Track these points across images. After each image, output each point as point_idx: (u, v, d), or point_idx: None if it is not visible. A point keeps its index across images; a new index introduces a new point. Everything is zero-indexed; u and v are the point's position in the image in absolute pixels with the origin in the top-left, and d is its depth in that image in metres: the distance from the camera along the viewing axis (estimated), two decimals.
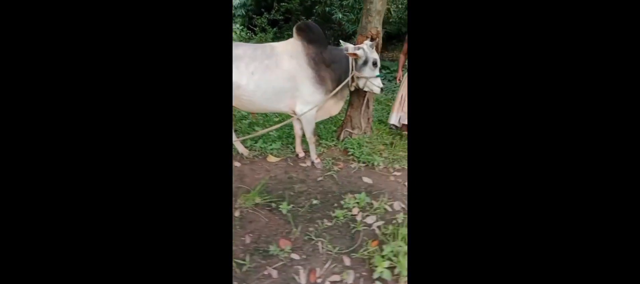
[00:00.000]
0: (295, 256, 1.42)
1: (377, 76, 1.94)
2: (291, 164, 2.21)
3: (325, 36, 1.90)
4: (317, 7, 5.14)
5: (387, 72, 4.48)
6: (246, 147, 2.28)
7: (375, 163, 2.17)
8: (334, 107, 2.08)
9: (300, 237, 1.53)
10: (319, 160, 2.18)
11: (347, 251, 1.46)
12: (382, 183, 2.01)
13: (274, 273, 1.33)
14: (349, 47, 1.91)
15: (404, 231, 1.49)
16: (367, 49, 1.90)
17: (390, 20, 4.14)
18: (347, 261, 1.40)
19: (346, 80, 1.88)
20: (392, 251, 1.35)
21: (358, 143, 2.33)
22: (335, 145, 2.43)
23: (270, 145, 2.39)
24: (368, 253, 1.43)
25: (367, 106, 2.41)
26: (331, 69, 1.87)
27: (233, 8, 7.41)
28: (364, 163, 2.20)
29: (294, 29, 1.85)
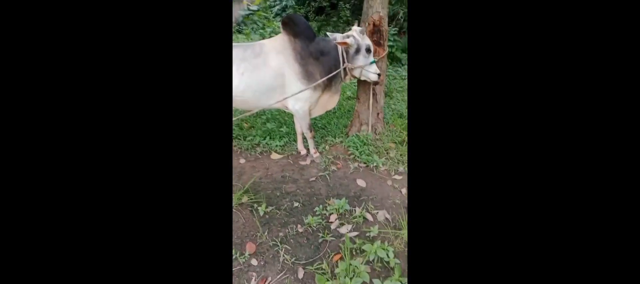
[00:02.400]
0: (254, 261, 1.39)
1: (372, 62, 1.76)
2: (291, 162, 2.16)
3: (311, 28, 1.77)
4: None
5: None
6: (255, 144, 2.33)
7: (375, 165, 1.96)
8: (330, 101, 1.97)
9: (266, 242, 1.49)
10: (317, 154, 2.09)
11: (304, 262, 1.36)
12: (376, 187, 1.81)
13: None
14: (338, 36, 1.75)
15: (369, 246, 1.32)
16: (357, 36, 1.73)
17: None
18: (300, 274, 1.31)
19: (336, 72, 1.75)
20: (344, 270, 1.21)
21: (362, 141, 2.14)
22: (341, 142, 2.28)
23: (276, 142, 2.38)
24: (323, 268, 1.31)
25: (376, 99, 2.18)
26: (320, 62, 1.76)
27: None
28: (364, 163, 2.01)
29: (280, 24, 1.79)
